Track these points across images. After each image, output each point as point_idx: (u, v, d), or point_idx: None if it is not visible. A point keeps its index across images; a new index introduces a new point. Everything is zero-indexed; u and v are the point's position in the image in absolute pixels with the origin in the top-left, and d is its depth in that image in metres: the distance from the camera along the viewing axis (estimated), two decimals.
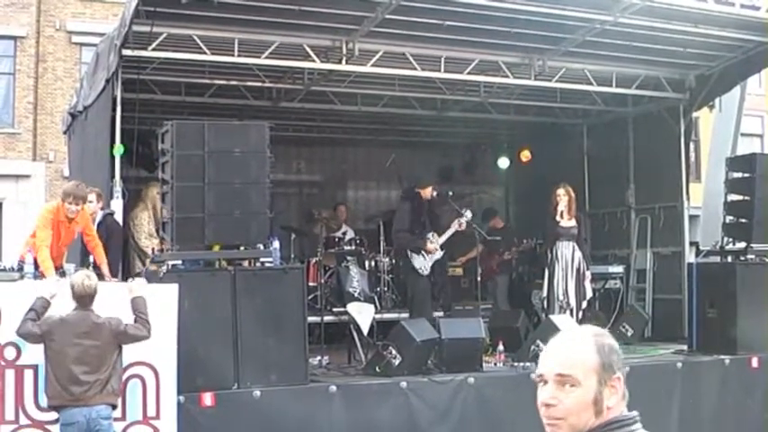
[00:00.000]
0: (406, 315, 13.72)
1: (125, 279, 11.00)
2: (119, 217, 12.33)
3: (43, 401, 8.91)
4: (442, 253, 14.01)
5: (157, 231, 14.30)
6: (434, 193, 14.03)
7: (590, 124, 17.97)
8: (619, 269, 16.35)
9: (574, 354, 2.87)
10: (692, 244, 16.51)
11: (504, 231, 17.18)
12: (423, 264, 13.75)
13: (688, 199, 16.13)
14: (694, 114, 16.96)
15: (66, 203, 10.50)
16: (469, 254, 16.41)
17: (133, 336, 8.71)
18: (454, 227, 14.04)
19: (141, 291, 9.06)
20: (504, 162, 19.30)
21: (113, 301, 8.93)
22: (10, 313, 8.89)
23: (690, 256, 15.73)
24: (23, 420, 9.00)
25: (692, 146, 19.24)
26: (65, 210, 10.55)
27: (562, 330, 2.97)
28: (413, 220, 13.95)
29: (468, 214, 14.22)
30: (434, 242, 13.81)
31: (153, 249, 13.21)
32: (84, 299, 8.55)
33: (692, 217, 16.62)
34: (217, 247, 10.50)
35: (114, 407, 8.68)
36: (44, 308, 8.63)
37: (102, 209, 11.96)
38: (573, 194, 13.91)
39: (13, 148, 28.12)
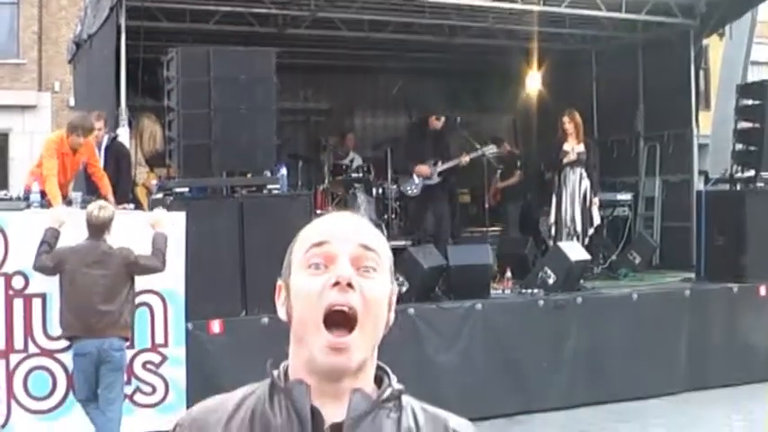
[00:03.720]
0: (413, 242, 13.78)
1: None
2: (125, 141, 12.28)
3: (52, 330, 8.95)
4: (438, 180, 14.13)
5: (146, 161, 14.27)
6: (440, 122, 14.18)
7: (599, 51, 17.80)
8: (627, 196, 16.28)
9: (374, 230, 2.07)
10: (700, 173, 16.42)
11: (509, 158, 17.10)
12: (409, 185, 13.95)
13: (697, 127, 16.02)
14: (704, 42, 16.80)
15: (74, 136, 10.46)
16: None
17: (144, 266, 8.73)
18: (457, 160, 14.24)
19: (165, 227, 9.06)
20: (512, 89, 19.14)
21: (124, 229, 8.93)
22: (17, 243, 8.93)
23: (699, 184, 15.65)
24: (33, 349, 9.04)
25: (701, 74, 19.08)
26: (70, 142, 10.52)
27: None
28: (414, 146, 14.20)
29: (492, 148, 14.51)
30: (430, 167, 14.00)
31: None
32: (96, 229, 8.56)
33: (700, 146, 16.51)
34: None
35: (126, 339, 8.73)
36: (55, 238, 8.66)
37: (106, 132, 11.90)
38: (579, 120, 13.89)
39: (18, 79, 28.00)
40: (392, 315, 2.06)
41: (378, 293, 1.99)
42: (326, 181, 14.84)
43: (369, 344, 1.98)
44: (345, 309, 1.94)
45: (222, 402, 2.04)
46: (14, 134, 27.42)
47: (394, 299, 2.07)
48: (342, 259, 1.97)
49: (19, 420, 8.89)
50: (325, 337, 1.93)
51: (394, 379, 2.05)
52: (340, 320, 1.94)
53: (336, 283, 1.94)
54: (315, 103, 19.02)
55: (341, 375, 1.95)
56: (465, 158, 14.31)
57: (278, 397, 1.97)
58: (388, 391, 2.01)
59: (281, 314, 2.05)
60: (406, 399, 2.04)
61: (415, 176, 14.12)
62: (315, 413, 1.93)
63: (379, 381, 2.05)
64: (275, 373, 2.02)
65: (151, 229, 9.00)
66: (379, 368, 2.07)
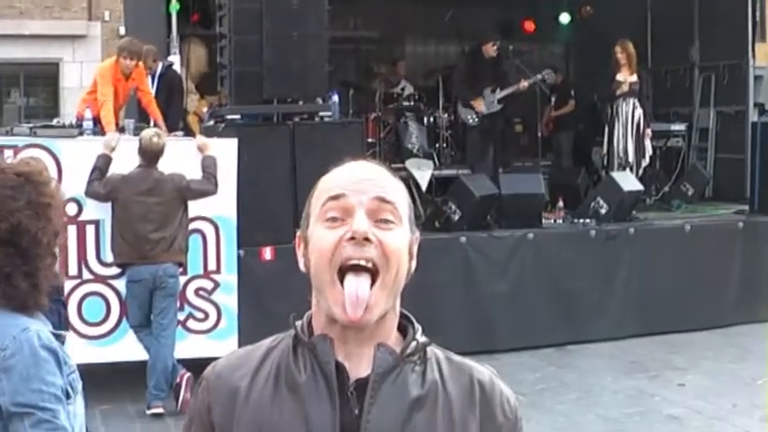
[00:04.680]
0: (465, 171, 13.67)
1: None
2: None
3: (105, 257, 9.04)
4: (498, 107, 13.99)
5: (196, 87, 14.26)
6: (495, 49, 14.02)
7: None
8: (681, 127, 16.03)
9: (391, 181, 2.05)
10: (755, 105, 16.16)
11: (562, 87, 16.91)
12: (469, 114, 13.82)
13: (753, 58, 15.76)
14: None
15: (121, 58, 10.55)
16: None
17: (197, 190, 8.77)
18: (516, 85, 14.08)
19: (213, 150, 9.07)
20: (565, 18, 18.88)
21: (176, 156, 8.96)
22: (70, 170, 8.97)
23: (754, 116, 15.42)
24: (86, 275, 9.16)
25: (758, 4, 18.74)
26: (120, 65, 10.59)
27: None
28: (471, 74, 14.04)
29: (550, 73, 14.36)
30: (486, 97, 13.84)
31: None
32: (149, 156, 8.61)
33: (756, 78, 16.24)
34: None
35: (181, 265, 8.79)
36: (107, 164, 8.72)
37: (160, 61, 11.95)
38: (632, 50, 13.67)
39: (68, 8, 27.96)
40: (413, 263, 2.06)
41: (396, 245, 1.98)
42: (378, 109, 14.77)
43: (389, 296, 1.98)
44: (362, 262, 1.94)
45: (246, 357, 2.05)
46: (65, 63, 27.47)
47: (415, 248, 2.07)
48: (359, 213, 1.96)
49: (72, 346, 8.91)
50: (340, 293, 1.93)
51: (419, 330, 2.05)
52: (360, 270, 1.95)
53: (352, 238, 1.95)
54: (365, 31, 18.87)
55: (362, 328, 1.95)
56: (524, 83, 14.16)
57: (302, 350, 1.99)
58: (413, 345, 2.01)
59: (301, 265, 2.06)
60: (430, 350, 2.04)
61: (471, 105, 13.98)
62: (339, 368, 1.94)
63: (402, 329, 2.05)
64: (298, 324, 2.03)
65: (199, 154, 9.03)
66: (403, 316, 2.06)
